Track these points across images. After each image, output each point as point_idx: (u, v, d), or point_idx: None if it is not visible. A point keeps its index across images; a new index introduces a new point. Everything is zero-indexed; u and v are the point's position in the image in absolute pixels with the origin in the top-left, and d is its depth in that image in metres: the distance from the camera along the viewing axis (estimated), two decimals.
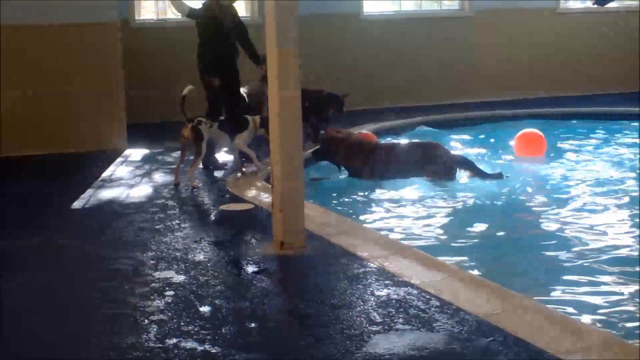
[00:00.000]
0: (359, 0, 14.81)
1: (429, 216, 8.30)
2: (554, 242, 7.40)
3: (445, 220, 8.14)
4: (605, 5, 16.02)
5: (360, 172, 9.73)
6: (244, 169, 9.45)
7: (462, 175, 9.69)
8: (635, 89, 15.43)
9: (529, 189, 9.39)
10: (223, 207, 8.16)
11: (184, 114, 9.12)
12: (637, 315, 5.73)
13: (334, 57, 14.44)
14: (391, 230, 7.81)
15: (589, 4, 16.24)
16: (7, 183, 9.59)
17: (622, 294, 6.13)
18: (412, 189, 9.30)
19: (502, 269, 6.60)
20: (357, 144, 9.89)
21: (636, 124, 12.53)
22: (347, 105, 11.91)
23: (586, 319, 5.56)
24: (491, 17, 15.49)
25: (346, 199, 8.97)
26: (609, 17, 16.18)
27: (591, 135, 12.55)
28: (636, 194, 8.85)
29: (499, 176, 9.60)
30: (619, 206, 8.49)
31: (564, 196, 8.98)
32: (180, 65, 13.44)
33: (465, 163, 9.77)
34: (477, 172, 9.65)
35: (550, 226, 7.93)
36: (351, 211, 8.47)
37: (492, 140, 12.18)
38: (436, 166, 9.55)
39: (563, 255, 7.02)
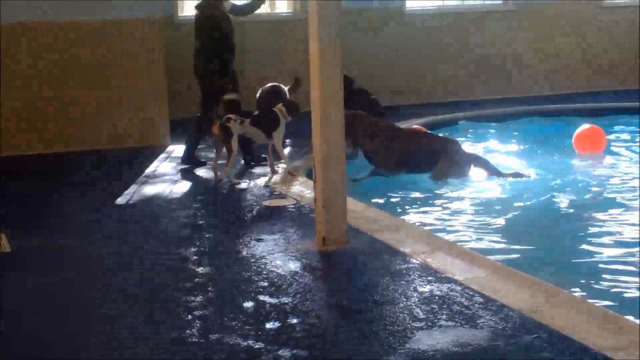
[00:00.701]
0: None
1: (473, 212, 8.26)
2: (600, 238, 7.33)
3: (489, 216, 8.08)
4: None
5: (376, 157, 9.61)
6: (275, 168, 9.42)
7: (478, 174, 9.57)
8: None
9: (577, 186, 9.24)
10: (265, 202, 8.18)
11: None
12: None
13: (375, 51, 14.41)
14: (434, 226, 7.78)
15: None
16: (53, 177, 9.71)
17: None
18: (455, 184, 9.27)
19: (547, 265, 6.54)
20: (383, 125, 9.75)
21: None
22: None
23: (632, 315, 5.49)
24: (535, 11, 15.36)
25: (388, 195, 8.94)
26: None
27: None
28: None
29: (517, 175, 9.49)
30: None
31: (614, 193, 8.86)
32: None
33: (480, 161, 9.64)
34: (493, 171, 9.52)
35: (596, 223, 7.83)
36: (393, 207, 8.45)
37: (551, 135, 12.07)
38: (450, 163, 9.42)
39: (609, 251, 6.95)
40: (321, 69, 6.48)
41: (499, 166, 9.68)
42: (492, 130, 12.45)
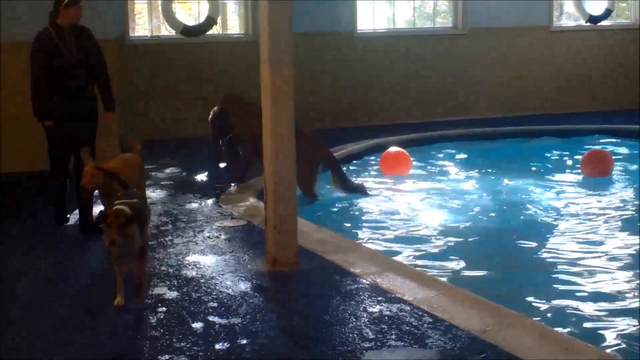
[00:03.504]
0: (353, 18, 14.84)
1: (423, 232, 8.32)
2: (549, 260, 7.41)
3: (441, 237, 8.15)
4: (598, 24, 16.16)
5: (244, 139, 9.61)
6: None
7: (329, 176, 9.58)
8: (628, 105, 15.61)
9: (529, 208, 9.35)
10: (217, 223, 8.15)
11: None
12: (633, 333, 5.74)
13: (327, 75, 14.47)
14: (384, 246, 7.82)
15: (582, 22, 16.33)
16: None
17: (618, 311, 6.13)
18: (407, 204, 9.34)
19: (496, 286, 6.60)
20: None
21: None
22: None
23: (580, 336, 5.55)
24: (485, 35, 15.54)
25: (339, 215, 8.98)
26: (601, 34, 16.30)
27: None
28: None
29: (362, 190, 9.53)
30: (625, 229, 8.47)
31: (567, 216, 8.99)
32: (174, 82, 13.53)
33: (333, 162, 9.54)
34: (341, 179, 9.49)
35: (546, 245, 7.92)
36: (345, 227, 8.48)
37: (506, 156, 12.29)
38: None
39: (558, 273, 7.03)
40: (272, 91, 6.50)
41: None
42: (442, 152, 12.55)
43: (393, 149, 11.32)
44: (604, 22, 16.35)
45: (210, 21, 13.73)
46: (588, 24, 16.26)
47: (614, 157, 11.05)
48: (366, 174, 11.14)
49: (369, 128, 14.02)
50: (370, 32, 15.16)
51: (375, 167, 11.40)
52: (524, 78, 15.86)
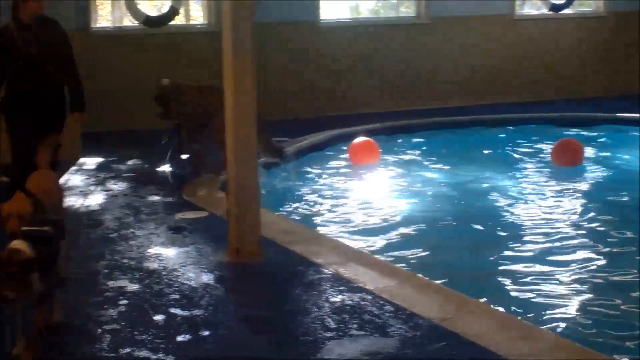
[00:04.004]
0: (317, 6, 14.80)
1: (388, 222, 8.34)
2: (514, 248, 7.46)
3: (406, 227, 8.17)
4: (560, 12, 16.26)
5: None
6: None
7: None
8: (592, 93, 15.75)
9: (496, 197, 9.41)
10: (179, 215, 8.11)
11: None
12: (587, 318, 5.81)
13: (291, 64, 14.43)
14: (348, 236, 7.83)
15: (545, 11, 16.42)
16: None
17: (573, 298, 6.21)
18: (369, 194, 9.36)
19: (457, 274, 6.63)
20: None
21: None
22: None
23: (538, 322, 5.60)
24: (448, 24, 15.56)
25: (303, 205, 8.99)
26: (564, 23, 16.40)
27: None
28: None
29: (280, 155, 9.68)
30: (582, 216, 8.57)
31: (524, 204, 9.07)
32: (137, 73, 13.44)
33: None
34: (265, 142, 9.42)
35: (512, 234, 7.97)
36: (308, 218, 8.49)
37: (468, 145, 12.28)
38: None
39: (516, 260, 7.08)
40: (235, 82, 6.48)
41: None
42: (408, 142, 12.57)
43: (361, 138, 11.32)
44: (567, 10, 16.45)
45: (173, 11, 13.66)
46: (551, 12, 16.35)
47: (584, 146, 11.10)
48: (333, 163, 11.13)
49: (335, 118, 13.98)
50: (334, 22, 15.14)
51: (342, 157, 11.38)
52: (488, 67, 15.91)
